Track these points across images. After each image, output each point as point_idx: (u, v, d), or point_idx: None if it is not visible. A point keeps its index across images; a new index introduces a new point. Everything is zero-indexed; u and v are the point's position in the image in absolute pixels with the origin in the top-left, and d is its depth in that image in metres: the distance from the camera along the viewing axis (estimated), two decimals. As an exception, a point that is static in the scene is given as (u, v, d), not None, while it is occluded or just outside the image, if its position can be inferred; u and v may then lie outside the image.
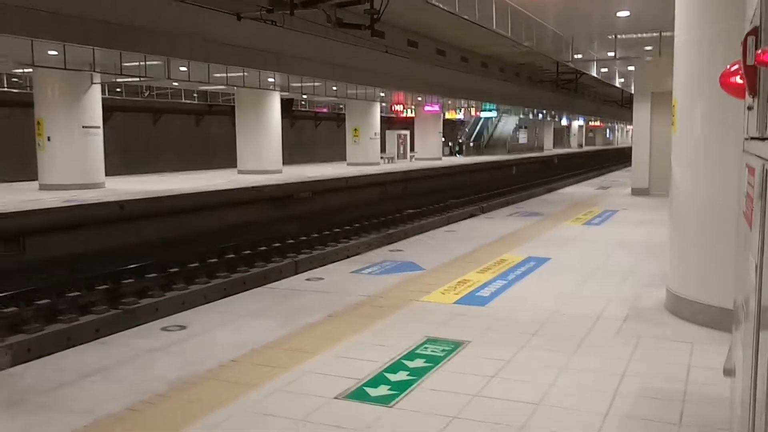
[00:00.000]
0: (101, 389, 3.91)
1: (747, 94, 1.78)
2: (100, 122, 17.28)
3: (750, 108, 1.84)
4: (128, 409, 3.60)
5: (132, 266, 11.06)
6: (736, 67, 1.97)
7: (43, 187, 16.64)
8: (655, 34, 15.25)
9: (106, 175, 17.84)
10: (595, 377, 4.05)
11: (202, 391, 3.85)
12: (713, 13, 5.09)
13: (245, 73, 20.30)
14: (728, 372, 2.42)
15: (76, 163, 16.73)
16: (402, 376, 4.07)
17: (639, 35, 15.85)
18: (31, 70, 16.98)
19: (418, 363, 4.30)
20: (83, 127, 16.77)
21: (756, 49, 1.52)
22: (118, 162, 24.32)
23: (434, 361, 4.34)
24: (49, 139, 16.59)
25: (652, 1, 12.15)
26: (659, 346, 4.65)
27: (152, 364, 4.36)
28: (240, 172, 22.91)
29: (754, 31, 1.59)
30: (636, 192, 15.99)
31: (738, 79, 1.92)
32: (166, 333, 5.03)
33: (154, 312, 8.99)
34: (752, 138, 1.83)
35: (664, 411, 3.55)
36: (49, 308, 8.87)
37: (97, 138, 17.17)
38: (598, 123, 68.82)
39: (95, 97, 17.16)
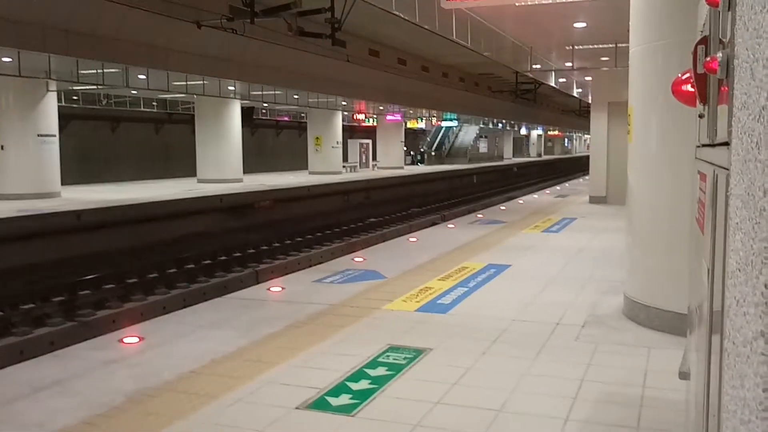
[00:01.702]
0: (56, 403, 3.81)
1: (698, 102, 1.83)
2: (55, 130, 16.95)
3: (701, 116, 1.88)
4: (84, 422, 3.52)
5: (89, 277, 10.84)
6: (687, 75, 2.02)
7: (-4, 197, 16.24)
8: (611, 46, 15.55)
9: (63, 184, 17.50)
10: (555, 383, 4.09)
11: (160, 404, 3.78)
12: (666, 25, 5.22)
13: (205, 81, 20.14)
14: (683, 375, 2.46)
15: (30, 173, 16.37)
16: (364, 384, 4.06)
17: (596, 46, 16.15)
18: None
19: (380, 371, 4.29)
20: (38, 135, 16.43)
21: (705, 57, 1.55)
22: (74, 171, 23.86)
23: (396, 369, 4.33)
24: (2, 147, 16.20)
25: (608, 13, 12.38)
26: (617, 352, 4.72)
27: (109, 376, 4.27)
28: (200, 181, 22.67)
29: (704, 41, 1.64)
30: (594, 200, 16.25)
31: (689, 88, 1.97)
32: (123, 345, 4.94)
33: (111, 324, 8.81)
34: (703, 145, 1.87)
35: (622, 415, 3.61)
36: (2, 321, 8.63)
37: (53, 146, 16.83)
38: (556, 132, 69.90)
39: (51, 104, 16.83)
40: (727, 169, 1.14)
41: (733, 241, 1.02)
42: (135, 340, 5.03)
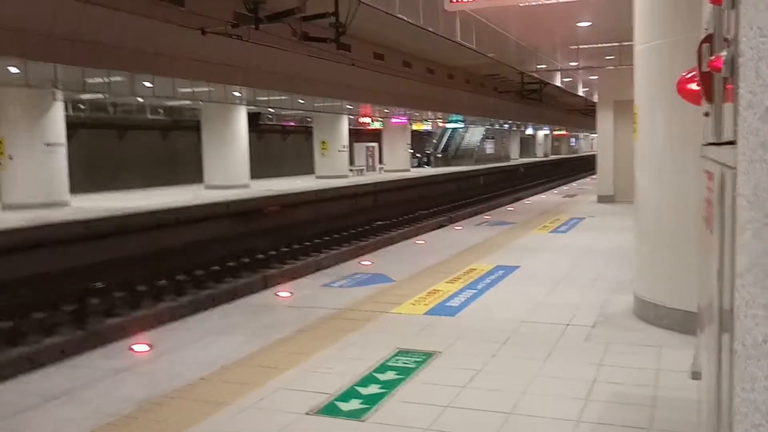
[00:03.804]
0: (66, 412, 3.82)
1: (703, 100, 1.82)
2: (63, 139, 17.00)
3: (707, 114, 1.87)
4: None
5: (98, 285, 10.87)
6: (692, 74, 2.00)
7: (6, 207, 16.30)
8: (615, 44, 15.51)
9: (71, 193, 17.55)
10: (566, 384, 4.07)
11: (170, 411, 3.78)
12: (671, 22, 5.20)
13: (211, 88, 20.19)
14: (695, 375, 2.44)
15: (39, 182, 16.41)
16: (373, 389, 4.05)
17: (600, 45, 16.11)
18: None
19: (390, 375, 4.28)
20: (46, 144, 16.48)
21: (710, 55, 1.54)
22: (83, 179, 23.93)
23: (405, 372, 4.32)
24: (11, 157, 16.27)
25: (612, 11, 12.36)
26: (628, 352, 4.69)
27: (119, 385, 4.27)
28: (207, 187, 22.72)
29: (708, 39, 1.62)
30: (602, 199, 16.19)
31: (694, 86, 1.95)
32: (133, 353, 4.95)
33: (121, 331, 8.83)
34: (710, 143, 1.86)
35: (634, 416, 3.58)
36: (13, 330, 8.67)
37: (61, 156, 16.89)
38: (563, 132, 69.70)
39: (58, 114, 16.89)
40: (734, 168, 1.13)
41: (741, 242, 1.01)
42: (145, 347, 5.04)
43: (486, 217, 14.24)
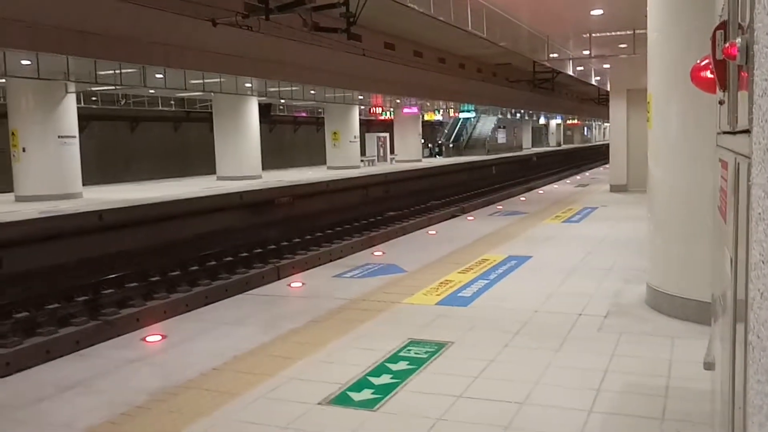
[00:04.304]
0: (80, 402, 3.85)
1: (718, 88, 1.79)
2: (75, 132, 17.10)
3: (721, 102, 1.85)
4: (108, 421, 3.55)
5: (112, 276, 10.94)
6: (706, 61, 1.98)
7: (20, 199, 16.42)
8: (629, 32, 15.37)
9: (84, 184, 17.65)
10: (579, 374, 4.06)
11: (183, 401, 3.80)
12: (684, 9, 5.14)
13: (222, 79, 20.20)
14: (708, 366, 2.43)
15: (52, 174, 16.52)
16: (385, 379, 4.05)
17: (613, 33, 15.97)
18: (3, 80, 16.76)
19: (402, 365, 4.28)
20: (59, 137, 16.58)
21: (724, 43, 1.52)
22: (95, 171, 24.08)
23: (418, 363, 4.32)
24: (24, 149, 16.38)
25: (625, -1, 12.23)
26: (641, 342, 4.67)
27: (132, 375, 4.30)
28: (219, 178, 22.78)
29: (722, 26, 1.60)
30: (614, 189, 16.10)
31: (708, 74, 1.93)
32: (146, 343, 4.98)
33: (135, 322, 8.89)
34: (724, 132, 1.84)
35: (647, 406, 3.57)
36: (28, 321, 8.74)
37: (73, 148, 16.98)
38: (575, 121, 69.28)
39: (70, 106, 16.97)
40: (749, 158, 1.12)
41: (756, 232, 1.00)
42: (158, 338, 5.07)
43: (498, 207, 14.20)
